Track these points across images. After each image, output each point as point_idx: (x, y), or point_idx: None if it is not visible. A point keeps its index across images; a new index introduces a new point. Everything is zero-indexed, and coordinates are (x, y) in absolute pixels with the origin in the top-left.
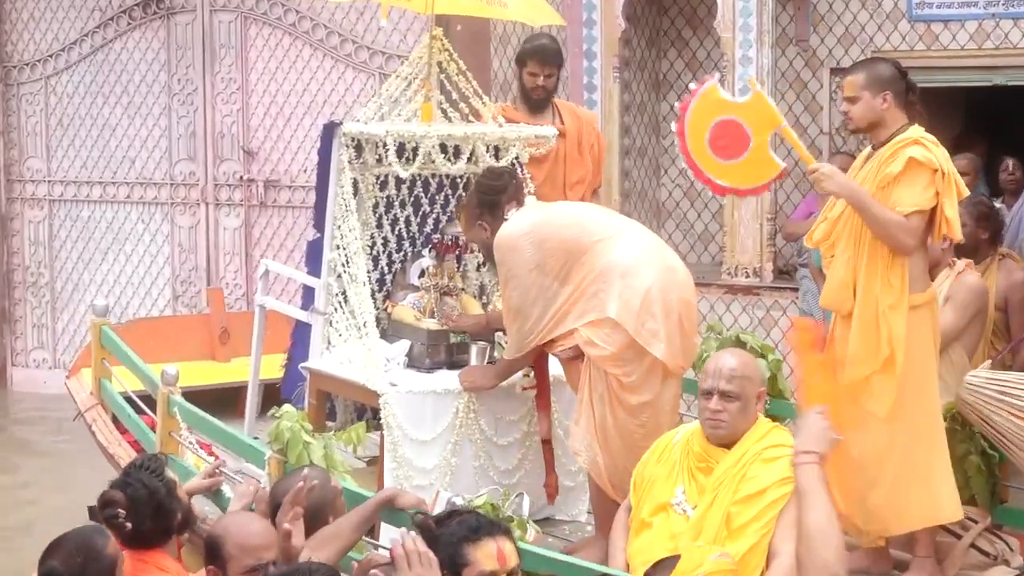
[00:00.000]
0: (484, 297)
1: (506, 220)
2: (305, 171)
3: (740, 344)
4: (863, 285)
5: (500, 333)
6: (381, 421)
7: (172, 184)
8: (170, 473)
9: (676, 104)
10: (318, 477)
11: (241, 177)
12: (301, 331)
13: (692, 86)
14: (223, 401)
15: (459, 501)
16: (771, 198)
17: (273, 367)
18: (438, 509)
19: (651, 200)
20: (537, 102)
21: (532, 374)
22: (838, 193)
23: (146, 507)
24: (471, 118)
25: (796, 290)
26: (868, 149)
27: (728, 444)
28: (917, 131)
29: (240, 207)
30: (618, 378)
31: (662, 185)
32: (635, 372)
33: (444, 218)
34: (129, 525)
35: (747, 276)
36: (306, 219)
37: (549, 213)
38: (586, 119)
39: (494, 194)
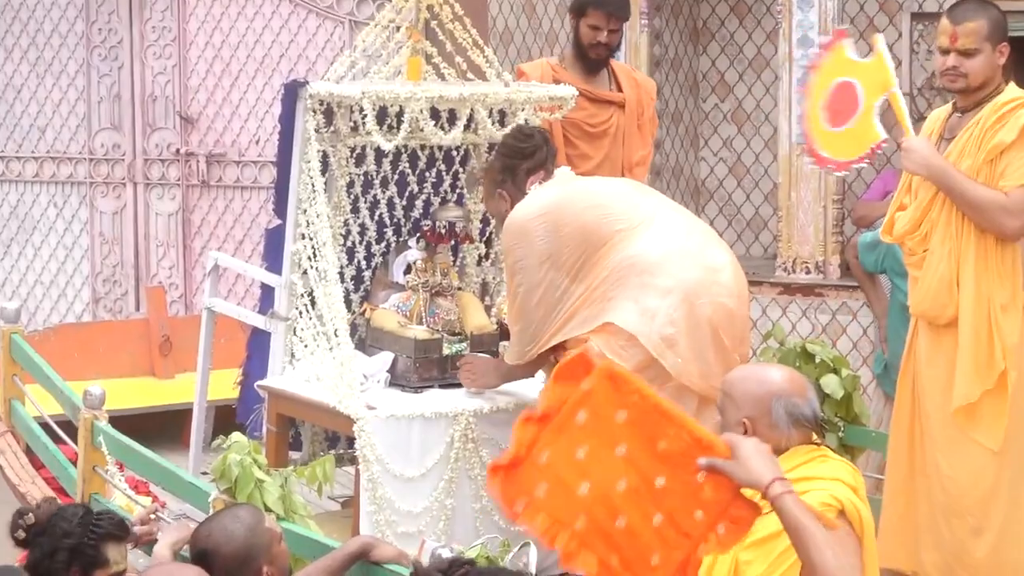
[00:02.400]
0: (488, 298)
1: (528, 194)
2: (258, 142)
3: (807, 356)
4: (972, 284)
5: (506, 343)
6: (357, 453)
7: (91, 159)
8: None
9: (719, 60)
10: (245, 518)
11: (178, 150)
12: (258, 341)
13: (820, 40)
14: (164, 428)
15: (447, 553)
16: (837, 176)
17: (225, 385)
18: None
19: (688, 178)
20: (595, 62)
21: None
22: (916, 172)
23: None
24: (470, 75)
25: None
26: (941, 111)
27: None
28: (1016, 90)
29: (176, 187)
30: None
31: (702, 159)
32: (655, 387)
33: (436, 200)
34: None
35: (808, 272)
36: (260, 202)
37: (571, 192)
38: (645, 87)
39: (519, 158)
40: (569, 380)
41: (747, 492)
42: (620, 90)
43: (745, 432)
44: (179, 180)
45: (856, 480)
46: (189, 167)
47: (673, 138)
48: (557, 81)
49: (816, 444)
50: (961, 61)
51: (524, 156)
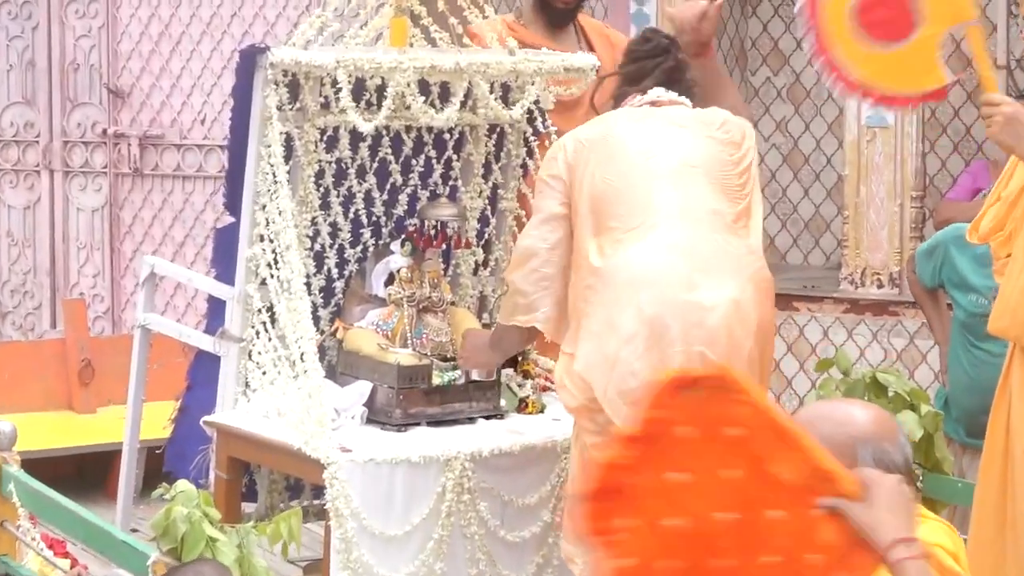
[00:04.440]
0: (486, 315)
1: (622, 110)
2: (204, 122)
3: (878, 388)
4: None
5: (510, 371)
6: (327, 506)
7: None
8: None
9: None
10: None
11: (105, 131)
12: (204, 367)
13: None
14: (84, 473)
15: None
16: (917, 165)
17: (161, 421)
18: None
19: None
20: (561, 14)
21: None
22: (1015, 149)
23: None
24: (467, 41)
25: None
26: None
27: None
28: None
29: (103, 176)
30: (590, 449)
31: None
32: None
33: (424, 194)
34: None
35: (879, 286)
36: (205, 195)
37: (614, 134)
38: (619, 45)
39: (630, 60)
40: (668, 400)
41: None
42: (592, 50)
43: None
44: (106, 167)
45: (956, 545)
46: (119, 152)
47: None
48: (522, 43)
49: None
50: None
51: (637, 58)
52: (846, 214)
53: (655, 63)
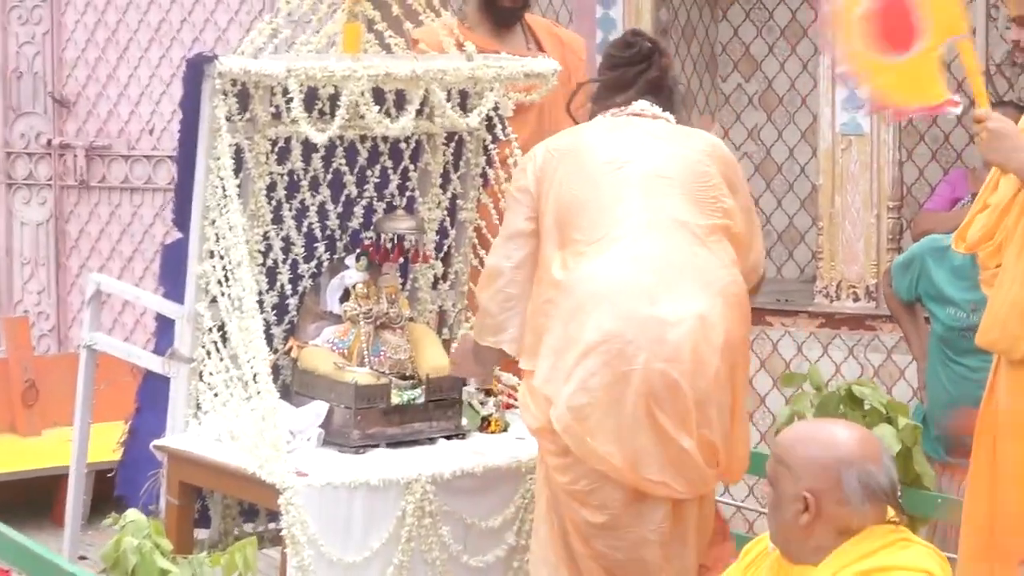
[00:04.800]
0: (446, 330)
1: (598, 120)
2: (152, 132)
3: (853, 401)
4: None
5: (472, 389)
6: (283, 532)
7: None
8: None
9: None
10: None
11: (49, 141)
12: (152, 388)
13: None
14: (28, 499)
15: None
16: (894, 174)
17: (109, 443)
18: None
19: None
20: (507, 14)
21: None
22: (1004, 165)
23: None
24: (423, 46)
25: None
26: None
27: (809, 559)
28: None
29: (48, 189)
30: (552, 473)
31: None
32: (574, 470)
33: (380, 207)
34: None
35: (855, 299)
36: (154, 208)
37: (584, 143)
38: (570, 44)
39: (609, 67)
40: None
41: None
42: (541, 50)
43: (806, 510)
44: (51, 180)
45: (944, 571)
46: (64, 163)
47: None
48: (460, 46)
49: (895, 523)
50: (1020, 33)
51: (616, 65)
52: (821, 225)
53: (637, 71)
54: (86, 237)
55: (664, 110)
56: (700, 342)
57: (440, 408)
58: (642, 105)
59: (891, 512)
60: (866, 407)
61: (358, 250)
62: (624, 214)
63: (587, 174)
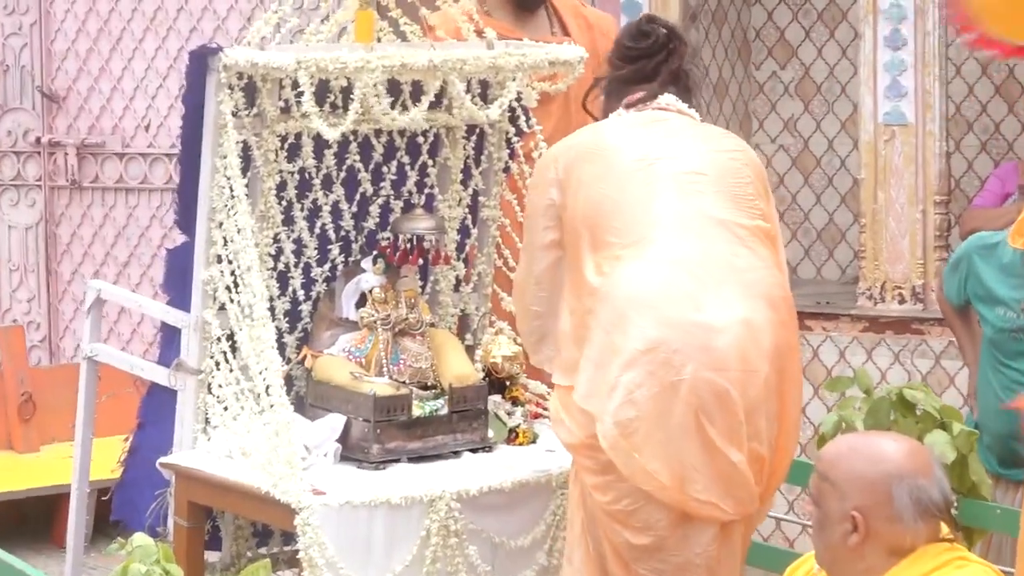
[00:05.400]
0: (469, 335)
1: (618, 116)
2: (148, 128)
3: (904, 406)
4: None
5: (498, 398)
6: (300, 555)
7: None
8: None
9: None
10: None
11: (38, 139)
12: (157, 403)
13: None
14: (26, 520)
15: None
16: (941, 167)
17: (112, 459)
18: None
19: None
20: None
21: None
22: None
23: None
24: (441, 34)
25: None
26: None
27: None
28: None
29: (37, 190)
30: (592, 492)
31: (756, 147)
32: (616, 488)
33: (397, 205)
34: None
35: (901, 301)
36: (151, 209)
37: (608, 143)
38: (599, 25)
39: (624, 59)
40: None
41: None
42: (567, 35)
43: (855, 530)
44: (40, 180)
45: None
46: (54, 162)
47: (715, 118)
48: (479, 32)
49: (949, 540)
50: None
51: (632, 58)
52: (863, 222)
53: (656, 62)
54: (78, 241)
55: (684, 101)
56: (748, 348)
57: (464, 419)
58: (667, 100)
59: (945, 529)
60: (918, 412)
61: (375, 252)
62: (659, 214)
63: (617, 174)
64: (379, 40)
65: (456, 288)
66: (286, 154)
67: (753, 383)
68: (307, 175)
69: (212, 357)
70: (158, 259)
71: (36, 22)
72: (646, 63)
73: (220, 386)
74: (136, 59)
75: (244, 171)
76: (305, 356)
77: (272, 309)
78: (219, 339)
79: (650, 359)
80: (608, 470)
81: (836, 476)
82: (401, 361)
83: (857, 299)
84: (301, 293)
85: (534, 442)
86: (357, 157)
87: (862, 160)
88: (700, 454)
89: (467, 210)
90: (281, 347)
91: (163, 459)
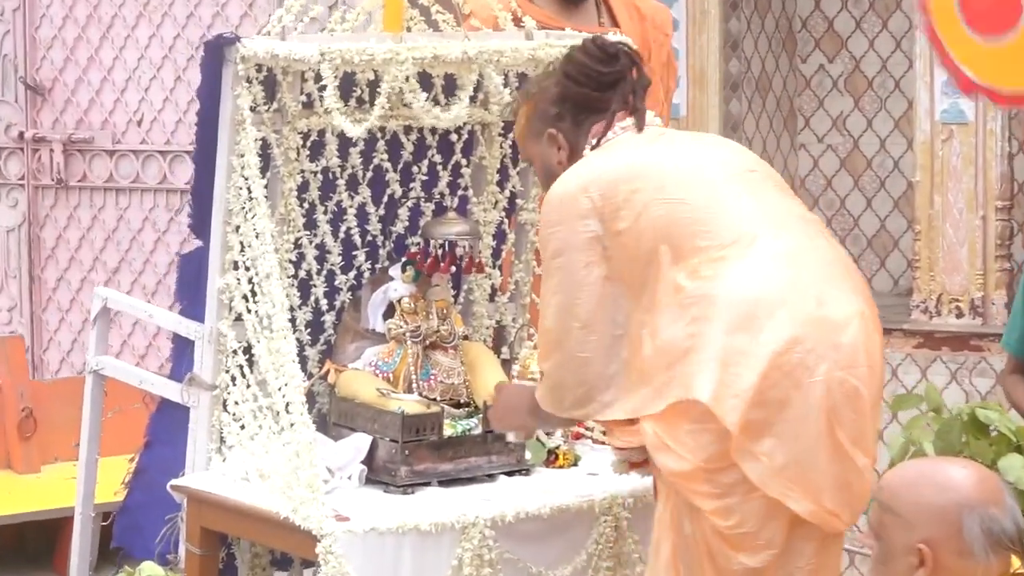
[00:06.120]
0: (506, 349)
1: (591, 149)
2: (140, 122)
3: (977, 427)
4: None
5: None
6: None
7: None
8: None
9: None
10: None
11: (21, 134)
12: (167, 420)
13: None
14: (25, 545)
15: None
16: (1003, 170)
17: (117, 480)
18: None
19: (782, 173)
20: None
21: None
22: None
23: None
24: (474, 22)
25: None
26: None
27: None
28: None
29: (20, 189)
30: (711, 517)
31: (800, 147)
32: (740, 510)
33: (428, 208)
34: None
35: (959, 315)
36: (143, 211)
37: (642, 163)
38: (652, 17)
39: (592, 85)
40: None
41: None
42: (615, 24)
43: (922, 564)
44: (23, 178)
45: None
46: (38, 159)
47: (758, 116)
48: (519, 21)
49: (1021, 575)
50: None
51: (602, 85)
52: (917, 229)
53: (631, 84)
54: (64, 245)
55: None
56: (869, 342)
57: (500, 440)
58: (650, 118)
59: (1016, 563)
60: (992, 434)
61: (403, 259)
62: (745, 211)
63: (675, 184)
64: (409, 30)
65: (491, 298)
66: (308, 153)
67: (875, 380)
68: (331, 175)
69: (228, 371)
70: (150, 265)
71: (19, 7)
72: (623, 85)
73: (236, 403)
74: (128, 48)
75: (263, 171)
76: (328, 371)
77: (293, 320)
78: (235, 352)
79: (786, 360)
80: (731, 491)
81: (900, 506)
82: (432, 376)
83: (911, 312)
84: (324, 303)
85: (575, 464)
86: (385, 156)
87: (917, 161)
88: (829, 460)
89: (503, 213)
90: (302, 361)
91: (174, 481)
